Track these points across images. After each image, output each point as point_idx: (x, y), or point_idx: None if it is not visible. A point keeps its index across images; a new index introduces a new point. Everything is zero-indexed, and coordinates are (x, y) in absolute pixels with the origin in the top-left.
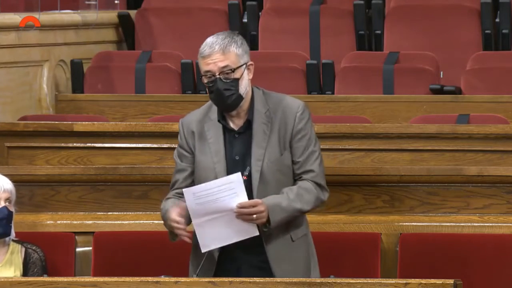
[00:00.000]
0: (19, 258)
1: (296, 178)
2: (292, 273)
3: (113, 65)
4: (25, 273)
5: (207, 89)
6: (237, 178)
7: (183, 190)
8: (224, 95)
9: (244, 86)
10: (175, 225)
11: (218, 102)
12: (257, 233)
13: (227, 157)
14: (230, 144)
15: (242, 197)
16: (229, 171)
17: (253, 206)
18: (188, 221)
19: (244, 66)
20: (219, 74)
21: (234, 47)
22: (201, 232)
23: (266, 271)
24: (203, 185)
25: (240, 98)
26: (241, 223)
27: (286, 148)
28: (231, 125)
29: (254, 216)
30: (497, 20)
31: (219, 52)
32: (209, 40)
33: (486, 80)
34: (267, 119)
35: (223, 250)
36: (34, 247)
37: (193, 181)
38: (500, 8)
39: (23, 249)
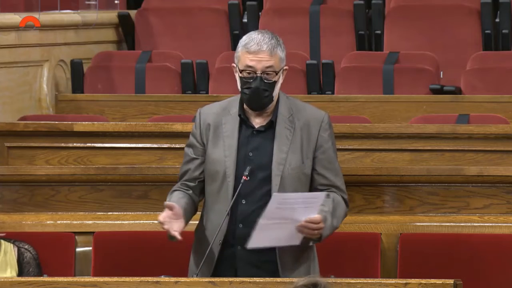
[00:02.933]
0: (13, 258)
1: (320, 189)
2: (296, 274)
3: (113, 65)
4: (20, 272)
5: (239, 83)
6: (319, 196)
7: (273, 194)
8: (261, 95)
9: (277, 89)
10: (164, 225)
11: (252, 99)
12: (298, 243)
13: (240, 152)
14: (246, 140)
15: (313, 212)
16: (239, 167)
17: (319, 223)
18: (186, 219)
19: (281, 71)
20: (261, 73)
21: (279, 50)
22: (259, 231)
23: (262, 270)
24: (291, 194)
25: (271, 100)
26: (292, 231)
27: (309, 157)
28: (251, 122)
29: (316, 232)
30: (497, 20)
31: (267, 52)
32: (255, 36)
33: (486, 80)
34: (290, 124)
35: (223, 248)
36: (26, 246)
37: (202, 172)
38: (500, 8)
39: (16, 248)
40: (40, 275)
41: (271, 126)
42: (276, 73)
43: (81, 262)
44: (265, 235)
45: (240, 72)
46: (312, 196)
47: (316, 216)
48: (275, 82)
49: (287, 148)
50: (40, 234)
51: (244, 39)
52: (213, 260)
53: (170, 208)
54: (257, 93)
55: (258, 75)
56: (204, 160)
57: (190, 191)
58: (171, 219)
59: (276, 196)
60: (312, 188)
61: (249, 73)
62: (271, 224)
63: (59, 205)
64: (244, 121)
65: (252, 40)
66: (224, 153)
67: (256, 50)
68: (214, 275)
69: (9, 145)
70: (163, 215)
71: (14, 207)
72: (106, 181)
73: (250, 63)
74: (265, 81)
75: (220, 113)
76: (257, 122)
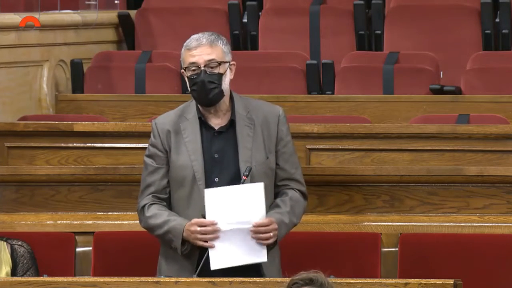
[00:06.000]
0: (7, 255)
1: (280, 184)
2: (274, 270)
3: (113, 65)
4: (15, 268)
5: (188, 83)
6: (257, 187)
7: (205, 190)
8: (207, 87)
9: (226, 83)
10: (205, 229)
11: (200, 94)
12: (265, 260)
13: (205, 155)
14: (208, 142)
15: (260, 208)
16: (207, 169)
17: (269, 225)
18: None
19: (228, 64)
20: (204, 67)
21: (220, 43)
22: (216, 247)
23: (243, 270)
24: (224, 188)
25: (221, 94)
26: (254, 244)
27: (271, 152)
28: (210, 123)
29: (271, 234)
30: (497, 20)
31: (206, 45)
32: (195, 35)
33: (486, 80)
34: (249, 121)
35: (200, 252)
36: (19, 242)
37: (168, 181)
38: (500, 8)
39: (9, 245)
40: (36, 268)
41: (231, 126)
42: (219, 63)
43: (81, 262)
44: (225, 251)
45: (186, 71)
46: (250, 188)
47: (264, 220)
48: (221, 75)
49: (250, 145)
50: (40, 234)
51: (186, 41)
52: (193, 265)
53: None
54: (203, 87)
55: (202, 68)
56: (167, 170)
57: (164, 203)
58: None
59: (208, 193)
60: (275, 182)
61: (193, 70)
62: (226, 233)
63: (59, 205)
64: (203, 124)
65: (192, 38)
66: (189, 157)
67: (196, 45)
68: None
69: (9, 145)
70: (208, 222)
71: (14, 207)
72: (106, 181)
73: (192, 59)
74: (209, 73)
75: (176, 121)
76: (216, 123)
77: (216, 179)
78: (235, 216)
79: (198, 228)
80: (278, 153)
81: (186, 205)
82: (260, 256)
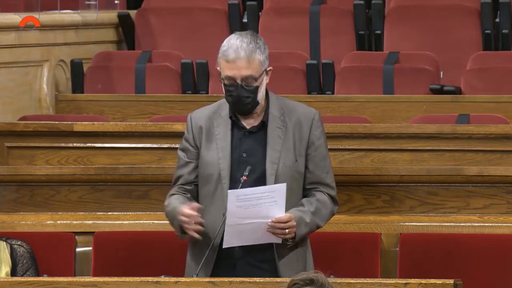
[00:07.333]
0: (6, 255)
1: (309, 187)
2: (295, 270)
3: (113, 65)
4: (14, 268)
5: (224, 89)
6: (280, 188)
7: (228, 191)
8: (243, 102)
9: (262, 92)
10: (185, 219)
11: (235, 106)
12: (280, 241)
13: (233, 153)
14: (238, 141)
15: (280, 207)
16: (233, 168)
17: (287, 221)
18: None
19: (264, 72)
20: (241, 81)
21: (258, 53)
22: (229, 231)
23: (261, 269)
24: (247, 189)
25: (256, 104)
26: (266, 230)
27: (302, 155)
28: (243, 123)
29: (287, 231)
30: (497, 20)
31: (244, 59)
32: (234, 42)
33: (486, 80)
34: (282, 123)
35: (221, 249)
36: (19, 242)
37: (197, 176)
38: (500, 8)
39: (8, 245)
40: (35, 268)
41: (262, 127)
42: (256, 79)
43: (81, 262)
44: (239, 234)
45: (223, 79)
46: (273, 189)
47: (282, 216)
48: (257, 87)
49: (279, 147)
50: (40, 234)
51: (224, 44)
52: (212, 261)
53: (195, 209)
54: (239, 101)
55: (238, 83)
56: (197, 165)
57: (188, 195)
58: (193, 219)
59: (231, 193)
60: (303, 185)
61: (230, 81)
62: (242, 225)
63: (59, 205)
64: (235, 123)
65: (230, 47)
66: (217, 155)
67: (234, 58)
68: (213, 276)
69: (9, 145)
70: (189, 213)
71: (14, 207)
72: (106, 181)
73: (229, 73)
74: (246, 87)
75: (211, 116)
76: (249, 123)
77: (242, 179)
78: (255, 215)
79: (183, 218)
80: (308, 157)
81: (210, 202)
82: (273, 239)
